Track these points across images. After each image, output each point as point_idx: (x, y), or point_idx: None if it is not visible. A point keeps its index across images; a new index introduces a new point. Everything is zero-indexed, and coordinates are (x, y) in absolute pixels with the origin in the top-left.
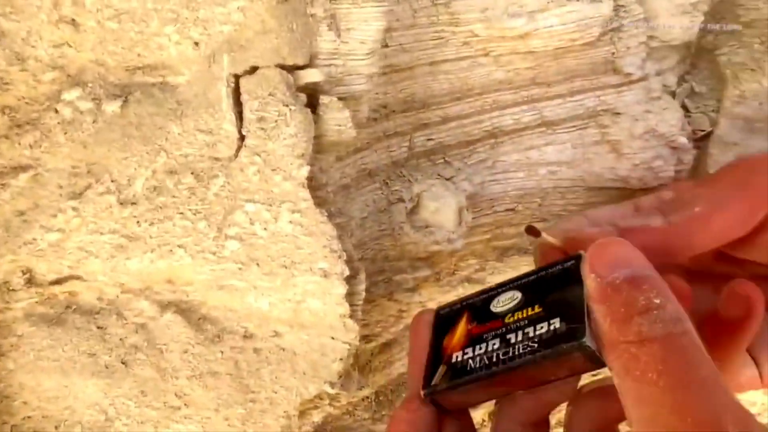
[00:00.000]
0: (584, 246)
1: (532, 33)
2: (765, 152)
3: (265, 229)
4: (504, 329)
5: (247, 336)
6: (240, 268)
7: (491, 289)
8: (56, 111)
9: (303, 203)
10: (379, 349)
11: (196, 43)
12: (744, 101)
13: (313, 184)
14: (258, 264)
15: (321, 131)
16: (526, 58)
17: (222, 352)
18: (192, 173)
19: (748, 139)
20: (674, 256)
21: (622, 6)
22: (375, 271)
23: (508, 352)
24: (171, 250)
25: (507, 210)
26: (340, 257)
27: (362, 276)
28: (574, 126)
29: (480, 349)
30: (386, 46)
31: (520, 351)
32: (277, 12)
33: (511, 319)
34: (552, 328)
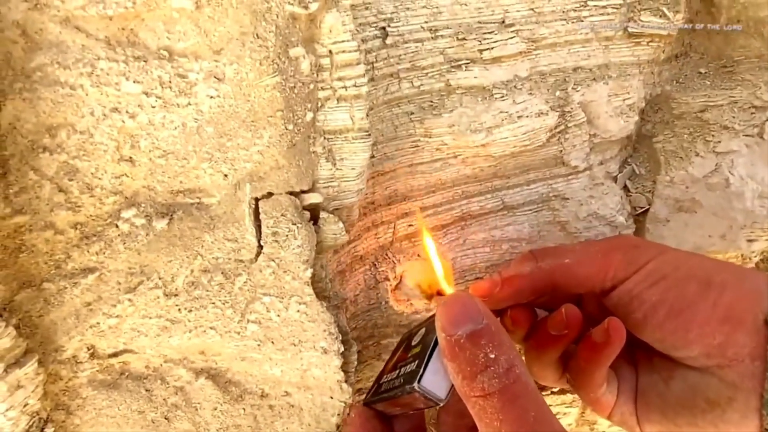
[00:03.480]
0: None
1: (491, 143)
2: (638, 236)
3: (278, 315)
4: (404, 362)
5: (264, 395)
6: (258, 345)
7: (425, 321)
8: (117, 226)
9: (308, 297)
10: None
11: (226, 175)
12: (673, 185)
13: (314, 278)
14: (273, 342)
15: (321, 238)
16: (488, 159)
17: (244, 409)
18: (221, 272)
19: (676, 217)
20: (540, 294)
21: (568, 111)
22: (366, 336)
23: (395, 383)
24: (204, 331)
25: (476, 278)
26: (336, 338)
27: (354, 348)
28: (530, 209)
29: (394, 374)
30: (372, 156)
31: (396, 384)
32: (287, 154)
33: (409, 354)
34: (410, 368)
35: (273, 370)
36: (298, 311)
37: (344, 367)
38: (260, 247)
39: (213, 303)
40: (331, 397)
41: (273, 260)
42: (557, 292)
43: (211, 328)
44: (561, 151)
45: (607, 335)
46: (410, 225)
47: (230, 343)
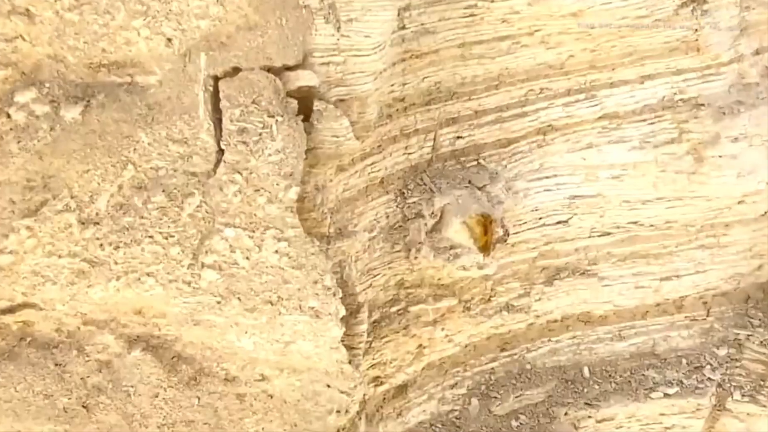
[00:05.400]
0: None
1: (586, 11)
2: None
3: (246, 258)
4: None
5: (229, 379)
6: (218, 302)
7: None
8: (8, 116)
9: (291, 231)
10: (392, 393)
11: (169, 40)
12: None
13: (304, 203)
14: (239, 298)
15: (316, 143)
16: (581, 38)
17: (198, 398)
18: (163, 190)
19: None
20: None
21: None
22: (387, 301)
23: None
24: (139, 278)
25: (558, 223)
26: (334, 294)
27: (364, 314)
28: (643, 119)
29: None
30: (404, 27)
31: None
32: (262, 5)
33: None
34: None
35: (241, 342)
36: (277, 252)
37: (349, 342)
38: (220, 151)
39: (151, 237)
40: (328, 386)
41: (239, 173)
42: None
43: (148, 274)
44: (696, 29)
45: None
46: (458, 137)
47: (177, 299)
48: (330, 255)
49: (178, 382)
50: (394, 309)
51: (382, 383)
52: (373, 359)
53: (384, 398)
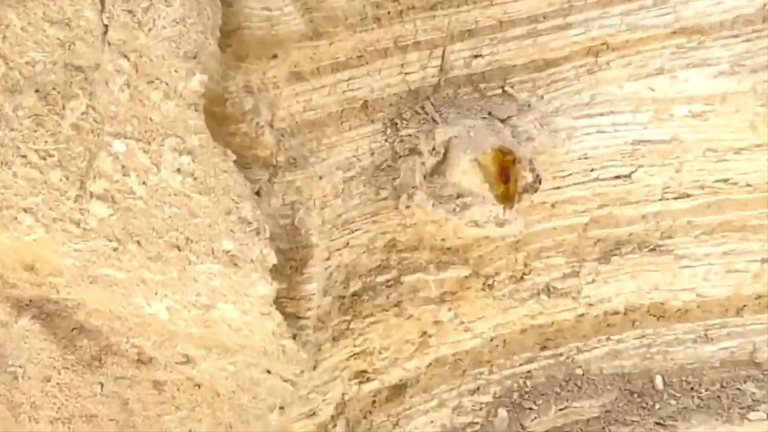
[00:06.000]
0: None
1: None
2: None
3: (143, 183)
4: None
5: (143, 361)
6: (115, 249)
7: None
8: None
9: (194, 138)
10: (386, 396)
11: None
12: None
13: (229, 112)
14: (139, 242)
15: (240, 21)
16: None
17: (102, 385)
18: (37, 91)
19: None
20: None
21: None
22: (373, 267)
23: None
24: (16, 217)
25: (617, 178)
26: (258, 232)
27: (315, 267)
28: (735, 35)
29: None
30: None
31: None
32: None
33: None
34: None
35: (152, 307)
36: (179, 171)
37: (292, 307)
38: (105, 29)
39: (24, 157)
40: (268, 371)
41: (126, 57)
42: None
43: (25, 210)
44: None
45: None
46: (477, 55)
47: (66, 246)
48: (274, 190)
49: (76, 362)
50: (381, 278)
51: (368, 379)
52: (355, 346)
53: (374, 401)
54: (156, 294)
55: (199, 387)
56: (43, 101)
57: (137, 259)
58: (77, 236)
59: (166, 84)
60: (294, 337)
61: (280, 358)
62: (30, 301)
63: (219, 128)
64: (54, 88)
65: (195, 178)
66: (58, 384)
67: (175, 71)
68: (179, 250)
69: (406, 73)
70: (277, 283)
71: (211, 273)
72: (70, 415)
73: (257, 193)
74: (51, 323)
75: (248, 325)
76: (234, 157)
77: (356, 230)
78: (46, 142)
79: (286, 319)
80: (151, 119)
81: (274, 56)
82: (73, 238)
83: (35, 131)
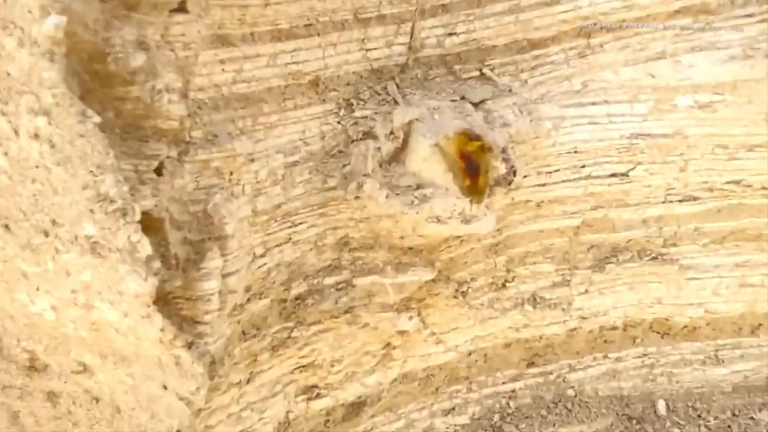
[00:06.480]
0: None
1: None
2: None
3: (5, 153)
4: None
5: (37, 368)
6: None
7: None
8: None
9: (47, 95)
10: (342, 414)
11: None
12: None
13: (114, 70)
14: (8, 225)
15: None
16: None
17: None
18: None
19: None
20: None
21: None
22: (321, 268)
23: None
24: None
25: (613, 176)
26: (123, 214)
27: (214, 261)
28: (749, 14)
29: None
30: None
31: None
32: None
33: None
34: None
35: (36, 305)
36: (37, 138)
37: (188, 310)
38: None
39: None
40: (165, 387)
41: None
42: None
43: None
44: None
45: None
46: (451, 33)
47: None
48: (184, 169)
49: None
50: (330, 280)
51: (319, 395)
52: (300, 357)
53: (327, 420)
54: (38, 290)
55: (97, 401)
56: None
57: (11, 248)
58: None
59: (21, 29)
60: (189, 346)
61: (173, 371)
62: None
63: (103, 90)
64: None
65: (53, 146)
66: None
67: (29, 12)
68: (46, 236)
69: (367, 50)
70: (154, 279)
71: (79, 264)
72: None
73: (157, 171)
74: None
75: (133, 330)
76: (97, 118)
77: (300, 223)
78: None
79: (183, 323)
80: (8, 74)
81: (181, 10)
82: None
83: None
